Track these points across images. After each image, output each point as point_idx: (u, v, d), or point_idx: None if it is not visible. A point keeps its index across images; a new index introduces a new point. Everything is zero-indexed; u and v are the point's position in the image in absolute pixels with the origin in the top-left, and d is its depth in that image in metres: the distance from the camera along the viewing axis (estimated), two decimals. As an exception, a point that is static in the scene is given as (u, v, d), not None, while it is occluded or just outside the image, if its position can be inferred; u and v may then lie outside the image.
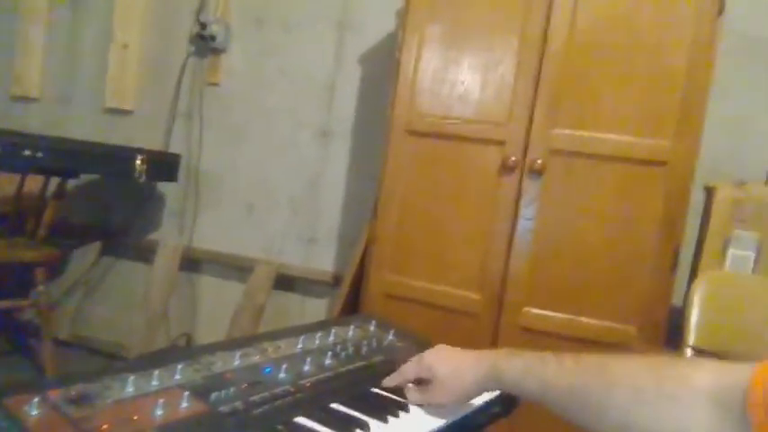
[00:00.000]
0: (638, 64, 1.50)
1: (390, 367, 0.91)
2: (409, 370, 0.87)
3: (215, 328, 2.42)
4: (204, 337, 2.50)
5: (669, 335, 1.48)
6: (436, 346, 0.90)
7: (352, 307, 1.83)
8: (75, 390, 0.69)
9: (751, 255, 1.46)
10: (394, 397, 0.86)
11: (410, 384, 0.87)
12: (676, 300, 1.52)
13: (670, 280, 1.49)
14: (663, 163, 1.47)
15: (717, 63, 1.52)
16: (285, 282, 2.38)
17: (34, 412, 0.63)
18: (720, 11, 1.46)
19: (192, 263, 2.52)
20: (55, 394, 0.68)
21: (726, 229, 1.47)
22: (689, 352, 1.25)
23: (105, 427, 0.64)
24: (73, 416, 0.64)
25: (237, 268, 2.44)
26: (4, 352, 2.51)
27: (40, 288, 2.12)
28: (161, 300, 2.44)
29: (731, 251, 1.46)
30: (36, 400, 0.64)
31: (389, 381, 0.89)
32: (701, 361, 0.64)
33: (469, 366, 0.81)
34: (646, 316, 1.49)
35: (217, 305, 2.48)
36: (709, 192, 1.53)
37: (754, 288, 1.34)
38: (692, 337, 1.26)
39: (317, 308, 2.37)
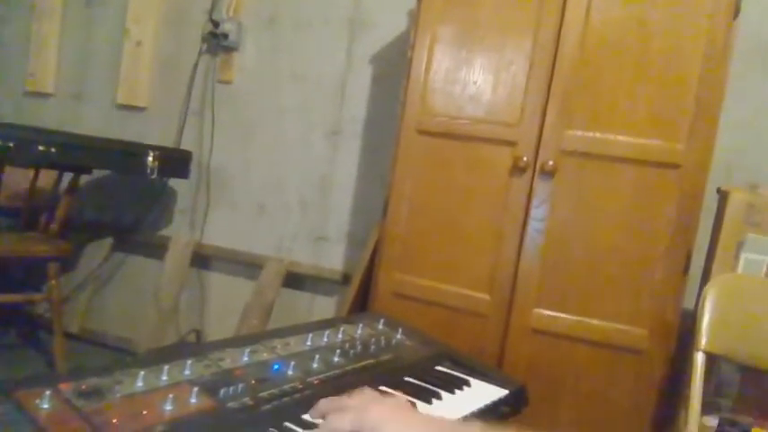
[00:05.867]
0: (651, 66, 1.49)
1: (398, 365, 0.91)
2: (345, 423, 0.67)
3: (224, 324, 2.43)
4: (213, 333, 2.52)
5: (681, 338, 1.47)
6: (385, 400, 0.73)
7: (361, 306, 1.84)
8: (86, 384, 0.70)
9: (764, 259, 1.44)
10: (401, 395, 0.86)
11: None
12: (688, 303, 1.51)
13: (682, 283, 1.48)
14: (676, 165, 1.46)
15: (730, 65, 1.50)
16: (294, 279, 2.38)
17: (45, 405, 0.64)
18: (736, 14, 1.45)
19: (202, 259, 2.53)
20: (66, 388, 0.68)
21: (739, 232, 1.46)
22: (700, 355, 1.24)
23: (115, 421, 0.64)
24: (84, 409, 0.65)
25: (247, 265, 2.45)
26: (14, 345, 2.53)
27: (52, 282, 2.13)
28: (171, 296, 2.45)
29: (744, 255, 1.45)
30: (47, 393, 0.65)
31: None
32: None
33: None
34: (657, 319, 1.48)
35: (226, 302, 2.49)
36: (723, 195, 1.51)
37: (766, 292, 1.33)
38: (703, 341, 1.25)
39: (325, 306, 2.37)
